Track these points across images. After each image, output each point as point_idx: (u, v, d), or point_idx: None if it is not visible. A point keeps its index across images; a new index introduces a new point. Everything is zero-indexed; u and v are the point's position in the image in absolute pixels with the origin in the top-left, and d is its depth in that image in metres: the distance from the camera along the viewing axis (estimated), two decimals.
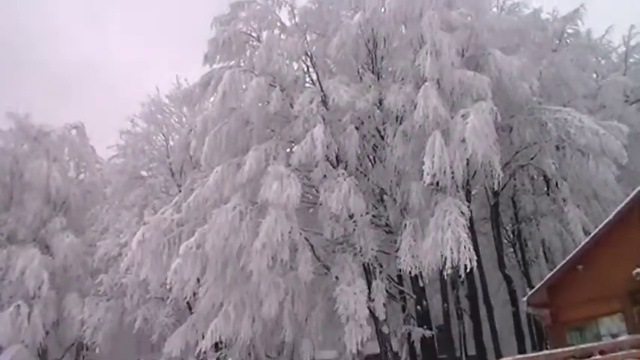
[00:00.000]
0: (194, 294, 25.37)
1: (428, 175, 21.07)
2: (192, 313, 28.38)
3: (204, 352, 27.72)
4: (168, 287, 25.15)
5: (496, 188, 25.85)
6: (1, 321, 34.04)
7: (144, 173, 36.59)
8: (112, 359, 39.38)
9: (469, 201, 24.46)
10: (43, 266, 35.75)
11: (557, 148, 26.90)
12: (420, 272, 22.88)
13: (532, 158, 27.12)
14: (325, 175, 23.41)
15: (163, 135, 35.99)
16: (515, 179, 29.03)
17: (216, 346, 28.02)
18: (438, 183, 21.70)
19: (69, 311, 35.35)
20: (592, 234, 20.66)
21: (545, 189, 29.84)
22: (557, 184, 27.65)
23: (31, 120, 41.24)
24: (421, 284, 25.41)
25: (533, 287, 22.72)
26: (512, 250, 32.68)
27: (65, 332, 37.90)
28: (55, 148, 41.17)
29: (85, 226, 39.10)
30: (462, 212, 21.49)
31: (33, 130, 40.98)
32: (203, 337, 24.23)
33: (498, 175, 22.31)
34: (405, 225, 22.85)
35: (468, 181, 25.19)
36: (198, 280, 24.41)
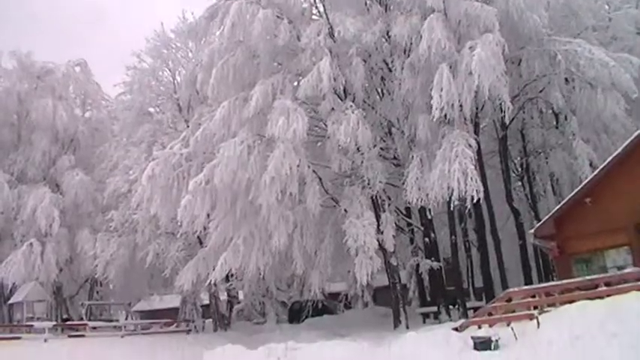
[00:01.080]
0: (204, 228, 25.60)
1: (437, 109, 20.96)
2: (202, 247, 28.72)
3: (215, 285, 28.25)
4: (178, 222, 25.42)
5: (505, 121, 25.77)
6: (14, 259, 34.52)
7: (151, 109, 36.57)
8: (125, 294, 40.14)
9: (477, 134, 24.46)
10: (53, 204, 36.09)
11: (567, 80, 26.66)
12: (428, 204, 23.01)
13: (541, 91, 26.95)
14: (333, 108, 23.32)
15: (170, 70, 35.81)
16: (524, 112, 28.87)
17: (227, 279, 28.53)
18: (445, 116, 21.60)
19: (81, 248, 35.79)
20: (600, 167, 20.65)
21: (554, 122, 29.66)
22: (565, 118, 27.50)
23: (33, 58, 41.00)
24: (429, 217, 25.56)
25: (541, 220, 22.82)
26: (520, 183, 32.75)
27: (79, 269, 38.51)
28: (59, 86, 40.86)
29: (94, 164, 39.27)
30: (469, 145, 21.46)
31: (36, 68, 40.78)
32: (214, 269, 24.56)
33: (507, 108, 22.17)
34: (413, 157, 22.88)
35: (476, 114, 25.12)
36: (208, 214, 24.63)
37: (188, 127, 29.16)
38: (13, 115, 41.73)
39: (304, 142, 22.78)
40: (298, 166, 22.14)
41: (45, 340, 28.63)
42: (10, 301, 36.09)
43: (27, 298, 33.91)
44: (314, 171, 23.62)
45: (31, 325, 31.32)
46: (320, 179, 23.91)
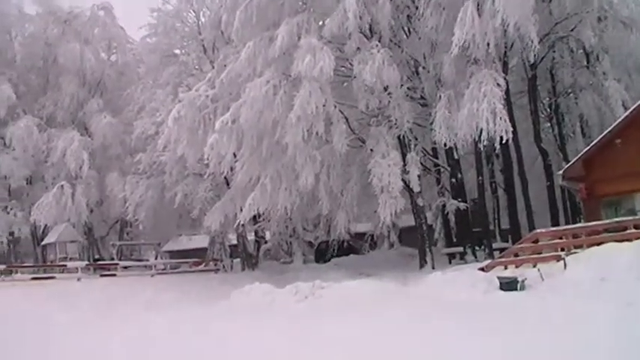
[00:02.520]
0: (231, 169, 25.74)
1: (456, 46, 20.62)
2: (229, 188, 28.95)
3: (243, 225, 28.50)
4: (205, 163, 25.59)
5: (533, 60, 25.33)
6: (46, 201, 35.19)
7: (176, 51, 36.43)
8: (154, 234, 40.81)
9: (506, 73, 24.01)
10: (82, 147, 36.58)
11: (599, 19, 26.06)
12: (455, 144, 22.87)
13: (572, 30, 26.32)
14: (359, 48, 23.03)
15: (194, 11, 35.42)
16: (554, 51, 28.36)
17: (255, 219, 28.76)
18: (472, 55, 21.27)
19: (111, 190, 36.36)
20: (632, 108, 20.30)
21: (585, 62, 29.12)
22: (597, 57, 27.03)
23: (57, 3, 40.97)
24: (456, 157, 25.47)
25: (570, 162, 22.62)
26: (548, 124, 32.31)
27: (108, 210, 39.20)
28: (85, 30, 41.09)
29: (122, 107, 39.54)
30: (497, 84, 21.14)
31: (62, 12, 40.72)
32: (241, 210, 24.77)
33: (535, 47, 21.75)
34: (440, 97, 22.64)
35: (504, 53, 24.68)
36: (234, 154, 24.74)
37: (213, 68, 29.08)
38: (41, 61, 41.95)
39: (330, 82, 22.58)
40: (324, 105, 22.01)
41: (78, 280, 29.39)
42: (44, 242, 36.90)
43: (59, 239, 34.58)
44: (340, 111, 23.51)
45: (65, 265, 32.07)
46: (346, 119, 23.83)
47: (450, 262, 25.71)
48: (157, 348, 11.98)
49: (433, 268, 23.22)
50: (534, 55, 22.91)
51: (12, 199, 39.57)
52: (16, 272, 32.21)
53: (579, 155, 21.16)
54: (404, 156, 23.55)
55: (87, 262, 34.21)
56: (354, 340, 10.87)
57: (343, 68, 24.80)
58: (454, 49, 20.49)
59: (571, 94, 30.01)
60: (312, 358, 9.83)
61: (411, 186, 23.49)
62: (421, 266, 24.43)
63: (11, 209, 38.70)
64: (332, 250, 34.07)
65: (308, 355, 10.04)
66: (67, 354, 12.12)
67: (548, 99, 31.58)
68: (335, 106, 23.03)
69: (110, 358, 11.20)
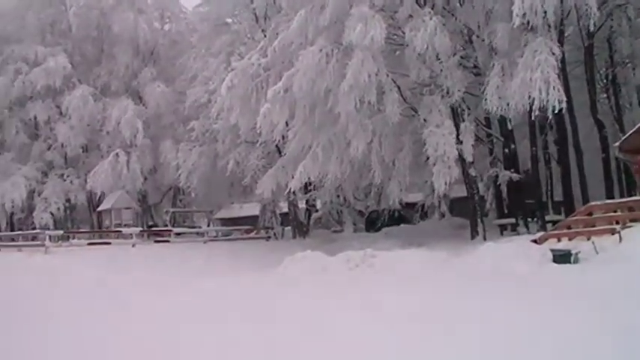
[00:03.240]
0: (283, 137, 25.91)
1: (517, 16, 20.19)
2: (281, 156, 29.14)
3: (294, 193, 28.70)
4: (257, 131, 25.74)
5: (591, 29, 24.65)
6: (102, 169, 36.03)
7: (228, 20, 36.63)
8: (206, 202, 41.42)
9: (561, 42, 23.48)
10: (137, 116, 37.25)
11: None
12: (508, 114, 22.56)
13: None
14: (411, 15, 22.68)
15: None
16: (611, 20, 27.56)
17: (306, 188, 28.93)
18: (528, 23, 20.83)
19: (164, 157, 36.99)
20: None
21: None
22: None
23: None
24: (509, 127, 25.09)
25: (627, 133, 22.10)
26: (605, 95, 31.63)
27: (162, 177, 39.91)
28: None
29: (175, 76, 40.03)
30: (552, 53, 20.65)
31: None
32: (293, 178, 24.93)
33: (594, 15, 21.21)
34: (493, 65, 22.29)
35: (561, 21, 24.10)
36: (286, 123, 24.84)
37: (265, 37, 29.11)
38: (95, 30, 42.59)
39: (382, 51, 22.40)
40: (377, 74, 21.86)
41: (133, 245, 30.08)
42: (99, 209, 37.85)
43: (115, 206, 35.45)
44: (392, 80, 23.30)
45: (120, 231, 32.85)
46: (399, 88, 23.61)
47: (502, 234, 25.45)
48: (208, 313, 12.19)
49: (485, 239, 23.03)
50: (593, 24, 22.28)
51: (68, 166, 40.70)
52: (73, 238, 33.19)
53: (636, 127, 20.62)
54: (457, 125, 23.27)
55: (141, 229, 35.01)
56: (406, 309, 10.87)
57: (395, 36, 24.52)
58: (515, 20, 20.03)
59: (629, 64, 29.27)
60: (364, 324, 9.86)
61: (464, 156, 23.24)
62: (472, 237, 24.27)
63: (68, 177, 39.81)
64: (383, 220, 34.11)
65: (361, 322, 10.09)
66: (123, 316, 12.44)
67: (604, 69, 30.87)
68: (387, 75, 22.83)
69: (163, 322, 11.42)
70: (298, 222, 34.61)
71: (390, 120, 22.81)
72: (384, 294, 12.80)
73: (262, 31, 31.84)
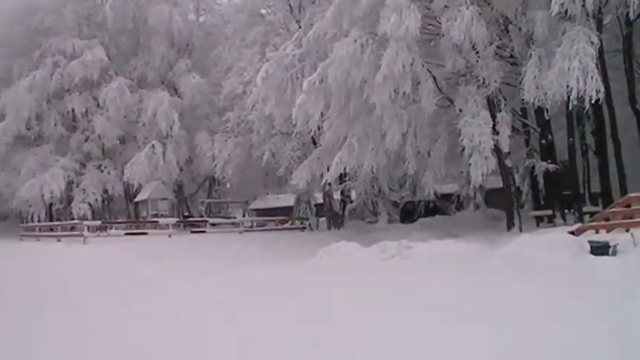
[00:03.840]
0: (318, 128, 25.90)
1: (556, 4, 19.92)
2: (316, 147, 29.19)
3: (329, 184, 28.74)
4: (292, 122, 25.82)
5: (630, 17, 24.21)
6: (138, 160, 36.48)
7: (263, 11, 36.67)
8: (241, 192, 41.71)
9: (599, 31, 23.08)
10: (172, 107, 37.63)
11: None
12: (545, 104, 22.27)
13: None
14: (446, 5, 22.50)
15: None
16: None
17: (341, 178, 28.95)
18: (566, 11, 20.54)
19: (200, 148, 37.33)
20: None
21: None
22: None
23: None
24: (546, 117, 24.75)
25: None
26: None
27: (198, 168, 40.37)
28: None
29: (209, 67, 40.35)
30: (590, 41, 20.29)
31: None
32: (328, 169, 24.97)
33: (633, 3, 20.78)
34: (530, 55, 22.01)
35: (599, 9, 23.70)
36: (321, 113, 24.84)
37: (300, 27, 29.15)
38: (131, 23, 43.08)
39: (417, 41, 22.22)
40: (412, 64, 21.73)
41: (169, 236, 30.47)
42: (136, 200, 38.32)
43: (151, 197, 35.85)
44: (428, 70, 23.15)
45: (156, 222, 33.24)
46: (434, 78, 23.46)
47: (538, 225, 25.21)
48: (245, 301, 12.30)
49: (521, 230, 22.83)
50: (633, 12, 21.86)
51: (106, 158, 41.28)
52: (111, 228, 33.66)
53: None
54: (493, 116, 23.06)
55: (177, 219, 35.32)
56: (443, 299, 10.86)
57: (430, 27, 24.34)
58: (553, 8, 19.77)
59: None
60: (399, 316, 9.89)
61: (500, 147, 23.02)
62: (508, 228, 24.04)
63: (105, 168, 40.39)
64: (418, 211, 34.03)
65: (397, 313, 10.11)
66: (163, 304, 12.64)
67: None
68: (422, 65, 22.69)
69: (200, 310, 11.57)
70: (333, 213, 34.65)
71: (426, 110, 22.69)
72: (416, 284, 12.81)
73: (297, 21, 31.89)
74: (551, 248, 16.42)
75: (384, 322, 9.49)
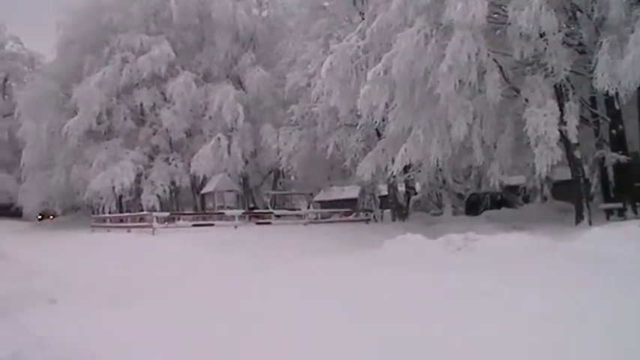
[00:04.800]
0: (383, 119, 25.82)
1: None
2: (380, 139, 29.11)
3: (394, 176, 28.64)
4: (357, 113, 25.83)
5: None
6: (204, 153, 37.16)
7: (325, 3, 36.63)
8: (306, 184, 41.99)
9: None
10: (237, 100, 38.15)
11: None
12: (617, 93, 21.68)
13: None
14: None
15: None
16: None
17: (405, 170, 28.81)
18: None
19: (265, 141, 37.72)
20: None
21: None
22: None
23: None
24: (617, 107, 24.15)
25: None
26: None
27: (263, 161, 40.83)
28: None
29: (273, 60, 40.56)
30: None
31: None
32: (393, 161, 24.88)
33: None
34: (601, 43, 21.42)
35: None
36: (386, 105, 24.74)
37: (363, 19, 29.06)
38: (196, 18, 43.83)
39: (483, 30, 21.95)
40: (477, 54, 21.42)
41: (235, 227, 30.87)
42: (203, 192, 38.93)
43: (217, 189, 36.40)
44: (494, 59, 22.77)
45: (222, 213, 33.74)
46: (500, 68, 23.08)
47: (608, 219, 24.54)
48: (313, 291, 12.40)
49: (590, 223, 22.29)
50: None
51: (173, 150, 42.09)
52: (179, 219, 34.36)
53: None
54: (561, 106, 22.57)
55: (243, 211, 35.74)
56: (511, 294, 10.65)
57: (496, 15, 23.96)
58: None
59: None
60: (465, 309, 9.78)
61: (568, 137, 22.53)
62: (577, 222, 23.52)
63: (172, 160, 41.18)
64: (484, 203, 33.62)
65: (462, 306, 10.00)
66: (232, 294, 12.85)
67: None
68: (488, 55, 22.32)
69: (267, 301, 11.73)
70: (397, 205, 34.55)
71: (491, 101, 22.33)
72: (484, 277, 12.62)
73: (360, 13, 31.80)
74: (622, 242, 15.92)
75: (465, 321, 9.22)
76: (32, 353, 9.23)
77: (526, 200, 35.04)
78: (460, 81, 21.55)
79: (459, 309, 9.74)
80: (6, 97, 64.72)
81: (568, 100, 22.79)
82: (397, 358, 7.82)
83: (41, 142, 42.31)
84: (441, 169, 29.10)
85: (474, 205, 34.47)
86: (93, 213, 42.97)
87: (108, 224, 37.75)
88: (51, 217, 58.64)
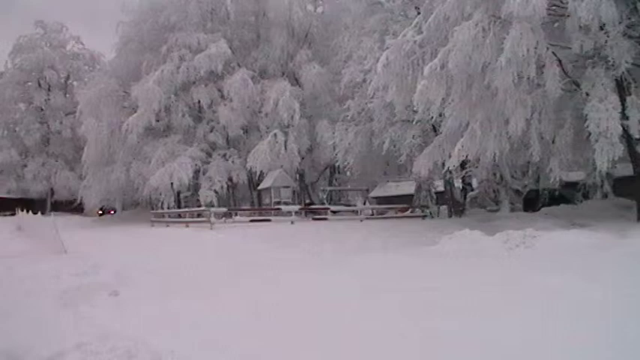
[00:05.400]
0: (439, 114, 25.64)
1: None
2: (437, 134, 28.90)
3: (450, 172, 28.43)
4: (413, 109, 25.71)
5: None
6: (261, 149, 37.58)
7: None
8: (361, 180, 42.02)
9: None
10: (294, 97, 38.46)
11: None
12: None
13: None
14: None
15: None
16: None
17: (462, 166, 28.57)
18: None
19: (321, 137, 37.94)
20: None
21: None
22: None
23: None
24: None
25: None
26: None
27: (319, 156, 41.02)
28: None
29: (329, 56, 40.72)
30: None
31: None
32: (449, 156, 24.69)
33: None
34: None
35: None
36: (442, 99, 24.54)
37: (419, 13, 28.85)
38: (252, 16, 44.29)
39: (542, 22, 21.60)
40: (536, 47, 21.06)
41: (292, 222, 31.10)
42: (259, 187, 39.29)
43: (274, 184, 36.73)
44: (553, 52, 22.38)
45: (279, 209, 34.02)
46: (559, 61, 22.66)
47: None
48: (372, 289, 12.43)
49: None
50: None
51: (230, 147, 42.64)
52: (236, 214, 34.77)
53: None
54: (622, 100, 22.01)
55: (299, 207, 35.99)
56: (574, 293, 10.49)
57: (555, 7, 23.52)
58: None
59: None
60: (526, 308, 9.68)
61: (630, 132, 21.96)
62: (639, 219, 23.01)
63: (230, 157, 41.69)
64: (542, 199, 33.06)
65: (524, 305, 9.91)
66: (289, 289, 13.00)
67: None
68: (547, 48, 21.92)
69: (328, 297, 11.82)
70: (454, 201, 34.29)
71: (550, 95, 21.93)
72: (543, 275, 12.46)
73: (415, 8, 31.57)
74: None
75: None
76: (97, 343, 9.49)
77: (585, 197, 34.29)
78: (519, 75, 21.22)
79: (533, 308, 9.68)
80: (68, 95, 66.38)
81: (630, 94, 22.21)
82: None
83: (102, 139, 43.26)
84: (498, 165, 28.72)
85: (531, 202, 33.92)
86: (152, 208, 43.80)
87: (167, 219, 38.45)
88: (111, 212, 60.05)
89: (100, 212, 60.15)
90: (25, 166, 63.72)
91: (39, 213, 34.98)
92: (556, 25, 23.93)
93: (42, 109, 64.66)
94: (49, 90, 65.01)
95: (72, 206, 57.37)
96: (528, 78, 21.55)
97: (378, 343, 8.35)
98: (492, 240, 19.34)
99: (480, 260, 16.63)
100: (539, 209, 31.77)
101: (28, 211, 34.49)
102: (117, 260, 18.84)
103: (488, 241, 19.36)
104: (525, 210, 33.54)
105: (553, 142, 23.92)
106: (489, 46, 21.49)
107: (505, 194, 34.17)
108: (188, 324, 10.25)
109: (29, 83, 65.53)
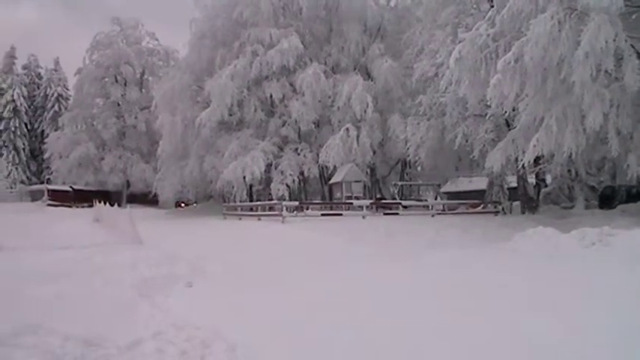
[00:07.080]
0: (513, 109, 25.24)
1: None
2: (510, 129, 28.45)
3: (524, 168, 27.94)
4: (487, 103, 25.35)
5: None
6: (333, 143, 37.75)
7: None
8: (433, 175, 41.73)
9: None
10: (366, 91, 38.49)
11: None
12: None
13: None
14: None
15: None
16: None
17: (535, 162, 28.05)
18: None
19: (393, 131, 37.85)
20: None
21: None
22: None
23: None
24: None
25: None
26: None
27: (390, 151, 40.92)
28: None
29: (401, 50, 40.52)
30: None
31: None
32: (523, 152, 24.27)
33: None
34: None
35: None
36: (517, 94, 24.14)
37: (492, 6, 28.34)
38: (324, 11, 44.48)
39: (620, 14, 20.99)
40: (614, 39, 20.48)
41: (363, 217, 31.18)
42: (331, 182, 39.47)
43: (345, 179, 36.82)
44: (631, 45, 21.73)
45: (351, 203, 34.16)
46: (638, 54, 21.99)
47: None
48: (445, 284, 12.40)
49: None
50: None
51: (302, 141, 42.98)
52: (307, 208, 35.06)
53: None
54: None
55: (371, 201, 36.00)
56: None
57: None
58: None
59: None
60: (600, 308, 9.47)
61: None
62: None
63: (301, 151, 42.03)
64: (619, 196, 32.14)
65: (598, 306, 9.69)
66: (366, 281, 13.08)
67: None
68: (626, 40, 21.25)
69: (400, 290, 11.84)
70: (527, 197, 33.65)
71: (629, 88, 21.25)
72: (620, 275, 12.14)
73: (489, 0, 31.09)
74: None
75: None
76: (172, 333, 9.81)
77: None
78: (596, 68, 20.65)
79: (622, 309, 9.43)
80: (143, 90, 68.20)
81: None
82: None
83: (176, 133, 44.31)
84: (573, 161, 28.04)
85: (607, 199, 33.01)
86: (224, 201, 44.60)
87: (239, 212, 39.07)
88: (184, 204, 61.42)
89: (183, 204, 61.75)
90: (103, 159, 66.04)
91: (115, 205, 36.14)
92: (634, 16, 23.25)
93: (118, 104, 66.78)
94: (125, 85, 67.05)
95: (147, 198, 59.06)
96: (606, 71, 20.98)
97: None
98: (567, 237, 18.85)
99: (555, 259, 16.30)
100: (615, 206, 30.92)
101: (105, 203, 35.55)
102: (191, 252, 19.29)
103: (563, 239, 18.88)
104: (601, 207, 32.69)
105: (631, 137, 23.22)
106: (565, 39, 20.98)
107: (580, 191, 33.41)
108: (262, 315, 10.46)
109: (106, 79, 67.74)
